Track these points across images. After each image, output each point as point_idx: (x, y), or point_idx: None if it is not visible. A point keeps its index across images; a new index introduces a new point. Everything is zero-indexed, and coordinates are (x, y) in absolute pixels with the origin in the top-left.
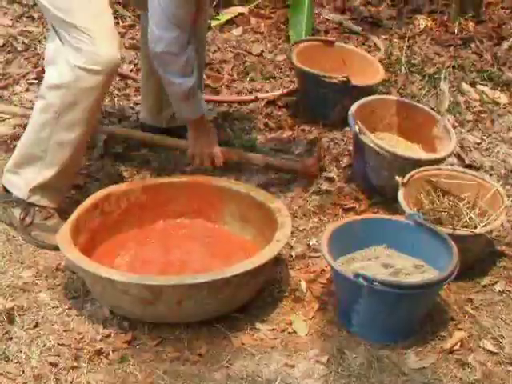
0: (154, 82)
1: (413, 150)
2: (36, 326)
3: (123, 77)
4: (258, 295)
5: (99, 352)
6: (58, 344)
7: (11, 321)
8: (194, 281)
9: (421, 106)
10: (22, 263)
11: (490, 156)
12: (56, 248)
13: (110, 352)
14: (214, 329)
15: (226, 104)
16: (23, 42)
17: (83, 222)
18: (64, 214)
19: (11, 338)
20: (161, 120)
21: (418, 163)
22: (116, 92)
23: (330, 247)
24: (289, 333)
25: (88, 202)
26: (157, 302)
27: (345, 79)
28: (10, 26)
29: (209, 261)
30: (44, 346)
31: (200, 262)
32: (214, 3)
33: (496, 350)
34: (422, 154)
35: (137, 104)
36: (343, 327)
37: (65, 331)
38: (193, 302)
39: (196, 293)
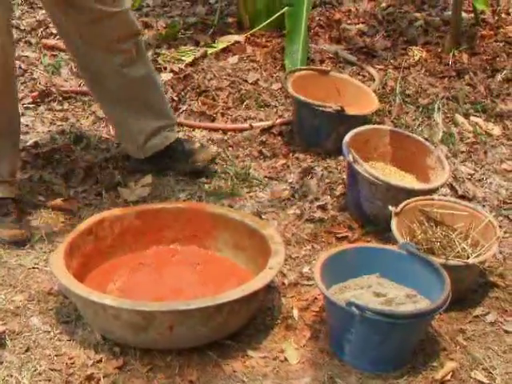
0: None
1: (406, 180)
2: (27, 350)
3: None
4: (250, 322)
5: (90, 377)
6: (49, 369)
7: (2, 345)
8: (186, 307)
9: (414, 136)
10: (14, 287)
11: (482, 187)
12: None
13: (101, 377)
14: (206, 356)
15: (220, 131)
16: (20, 67)
17: (77, 246)
18: (56, 239)
19: (2, 362)
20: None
21: (411, 193)
22: None
23: (323, 275)
24: (280, 360)
25: (82, 226)
26: (148, 327)
27: (339, 108)
28: None
29: (201, 287)
30: (35, 370)
31: (192, 288)
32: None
33: (488, 381)
34: (416, 184)
35: None
36: (335, 356)
37: (56, 356)
38: (184, 328)
39: (188, 319)
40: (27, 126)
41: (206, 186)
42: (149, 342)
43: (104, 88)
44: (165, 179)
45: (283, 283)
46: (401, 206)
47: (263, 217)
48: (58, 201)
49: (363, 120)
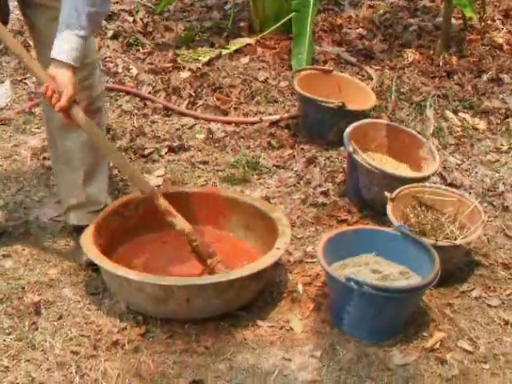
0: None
1: (400, 169)
2: (60, 318)
3: (142, 98)
4: (259, 296)
5: (116, 343)
6: (79, 335)
7: (38, 313)
8: (202, 282)
9: (408, 129)
10: (48, 262)
11: (469, 176)
12: None
13: (126, 343)
14: (219, 325)
15: (233, 124)
16: None
17: (105, 225)
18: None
19: (37, 329)
20: None
21: (404, 181)
22: (135, 111)
23: (325, 254)
24: (286, 330)
25: (110, 207)
26: (168, 299)
27: (341, 104)
28: None
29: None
30: (66, 336)
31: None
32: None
33: (472, 350)
34: (409, 173)
35: (154, 122)
36: (335, 326)
37: (85, 323)
38: (200, 301)
39: (203, 292)
40: None
41: (220, 173)
42: (168, 312)
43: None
44: (182, 167)
45: (289, 261)
46: (395, 192)
47: (271, 201)
48: None
49: (362, 115)
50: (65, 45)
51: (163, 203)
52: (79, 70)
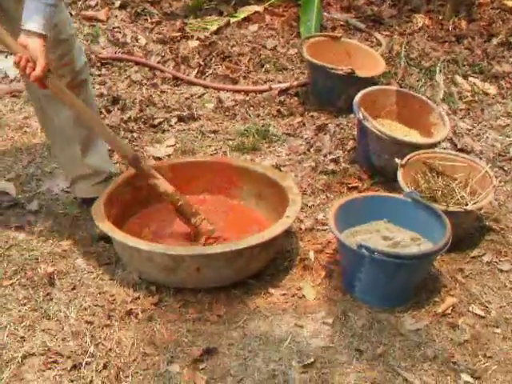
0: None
1: (411, 135)
2: (73, 288)
3: (151, 68)
4: (270, 264)
5: (129, 312)
6: (93, 305)
7: (52, 283)
8: (211, 251)
9: (418, 95)
10: (61, 233)
11: (479, 141)
12: None
13: (139, 312)
14: (232, 293)
15: (243, 93)
16: None
17: (116, 196)
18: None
19: (52, 299)
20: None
21: (415, 147)
22: (144, 81)
23: (336, 221)
24: (298, 297)
25: (120, 178)
26: (178, 269)
27: (350, 71)
28: None
29: (226, 233)
30: (81, 306)
31: (219, 234)
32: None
33: (483, 314)
34: (419, 139)
35: (163, 92)
36: (347, 293)
37: (99, 293)
38: (210, 270)
39: (213, 262)
40: None
41: (231, 142)
42: (179, 281)
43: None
44: (192, 136)
45: (300, 228)
46: (406, 158)
47: (282, 169)
48: None
49: (371, 81)
50: (33, 14)
51: (145, 166)
52: (57, 47)
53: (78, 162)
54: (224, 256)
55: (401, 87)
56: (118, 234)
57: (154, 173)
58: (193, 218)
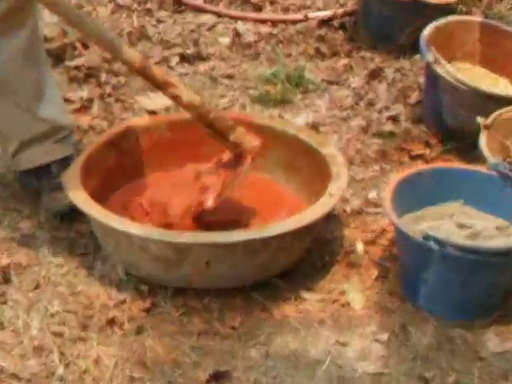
0: None
1: (499, 85)
2: (36, 287)
3: None
4: (304, 258)
5: (112, 321)
6: (64, 310)
7: (7, 281)
8: (227, 239)
9: (510, 30)
10: (19, 212)
11: None
12: None
13: (125, 321)
14: (251, 297)
15: (269, 24)
16: None
17: (96, 162)
18: None
19: (6, 302)
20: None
21: (505, 101)
22: (135, 6)
23: (394, 202)
24: (341, 305)
25: (102, 138)
26: (182, 262)
27: None
28: None
29: (246, 216)
30: (46, 311)
31: (236, 217)
32: None
33: None
34: (511, 91)
35: (160, 21)
36: (408, 300)
37: (71, 295)
38: (225, 265)
39: (229, 254)
40: None
41: (251, 92)
42: (182, 279)
43: None
44: (199, 83)
45: (345, 211)
46: (492, 116)
47: (321, 130)
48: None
49: (446, 10)
50: None
51: (159, 72)
52: None
53: (26, 118)
54: (244, 246)
55: (486, 18)
56: (99, 212)
57: (170, 80)
58: (231, 132)
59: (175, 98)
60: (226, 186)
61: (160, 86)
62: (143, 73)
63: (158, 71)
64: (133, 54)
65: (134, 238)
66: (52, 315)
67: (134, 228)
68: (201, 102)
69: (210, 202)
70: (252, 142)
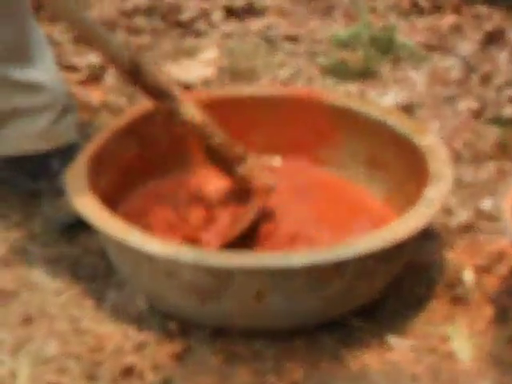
0: None
1: None
2: (27, 322)
3: None
4: (391, 290)
5: (129, 370)
6: (63, 353)
7: None
8: (287, 263)
9: None
10: (5, 217)
11: None
12: None
13: (147, 370)
14: (317, 341)
15: None
16: None
17: (109, 155)
18: None
19: None
20: None
21: None
22: None
23: None
24: (442, 355)
25: (117, 123)
26: (223, 293)
27: None
28: None
29: (312, 230)
30: (39, 355)
31: (297, 230)
32: None
33: None
34: None
35: None
36: None
37: (73, 333)
38: (282, 298)
39: (288, 282)
40: None
41: (322, 59)
42: (223, 316)
43: None
44: (251, 45)
45: (448, 226)
46: None
47: (417, 113)
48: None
49: None
50: None
51: (151, 76)
52: None
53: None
54: (309, 272)
55: None
56: (113, 226)
57: (168, 88)
58: (236, 164)
59: (171, 111)
60: (232, 226)
61: (153, 93)
62: (135, 77)
63: (153, 73)
64: (122, 50)
65: (158, 260)
66: (47, 361)
67: (159, 246)
68: (203, 121)
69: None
70: (265, 181)
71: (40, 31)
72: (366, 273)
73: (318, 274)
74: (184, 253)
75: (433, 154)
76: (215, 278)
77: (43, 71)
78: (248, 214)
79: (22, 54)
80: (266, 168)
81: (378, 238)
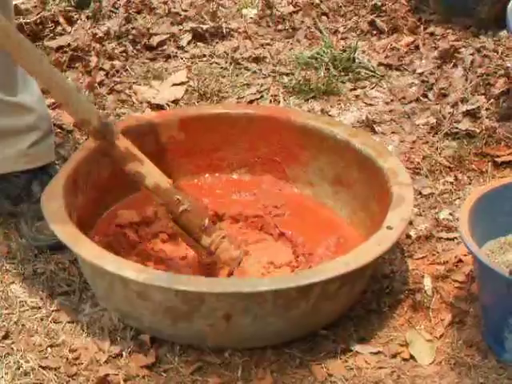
0: None
1: None
2: (6, 336)
3: None
4: (354, 303)
5: (105, 380)
6: (40, 366)
7: None
8: (253, 289)
9: None
10: None
11: None
12: None
13: (121, 381)
14: (284, 352)
15: None
16: None
17: (85, 172)
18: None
19: None
20: None
21: None
22: None
23: (473, 225)
24: (403, 359)
25: (92, 143)
26: (193, 315)
27: None
28: None
29: (278, 251)
30: (18, 368)
31: (264, 251)
32: None
33: None
34: None
35: None
36: (490, 353)
37: (50, 346)
38: (249, 320)
39: (255, 306)
40: None
41: (286, 79)
42: (193, 336)
43: None
44: (218, 68)
45: (408, 236)
46: None
47: (377, 129)
48: None
49: None
50: None
51: (122, 143)
52: None
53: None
54: (276, 297)
55: None
56: (87, 250)
57: (133, 150)
58: (204, 235)
59: (134, 176)
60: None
61: (120, 158)
62: (101, 137)
63: (123, 138)
64: (93, 109)
65: (130, 284)
66: (26, 373)
67: (133, 271)
68: (168, 187)
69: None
70: (231, 253)
71: None
72: (330, 295)
73: (284, 298)
74: (156, 277)
75: (394, 175)
76: (185, 302)
77: (29, 94)
78: None
79: (9, 77)
80: (234, 237)
81: (342, 263)
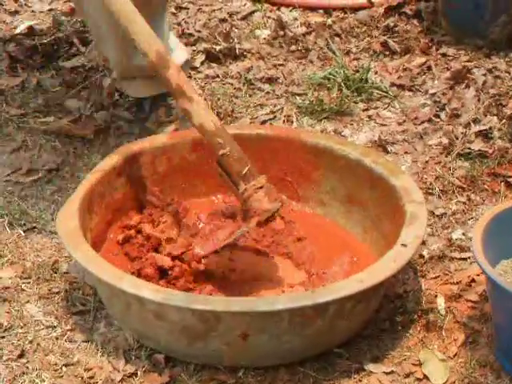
0: None
1: None
2: (21, 355)
3: None
4: (367, 323)
5: None
6: None
7: None
8: (270, 307)
9: None
10: (0, 256)
11: None
12: None
13: None
14: (298, 370)
15: (322, 11)
16: None
17: (99, 195)
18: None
19: None
20: None
21: None
22: None
23: (486, 245)
24: (417, 379)
25: (106, 163)
26: (209, 334)
27: None
28: None
29: (291, 270)
30: None
31: (278, 271)
32: None
33: None
34: None
35: (180, 8)
36: (504, 373)
37: (65, 365)
38: (265, 338)
39: (271, 324)
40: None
41: (299, 100)
42: (209, 355)
43: None
44: (231, 88)
45: (421, 256)
46: None
47: (389, 149)
48: (65, 122)
49: None
50: None
51: (174, 79)
52: None
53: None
54: (291, 315)
55: None
56: (102, 270)
57: (186, 88)
58: (242, 182)
59: (185, 114)
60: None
61: (172, 93)
62: (157, 72)
63: (176, 74)
64: (153, 43)
65: (146, 303)
66: None
67: (147, 289)
68: (216, 129)
69: (200, 250)
70: (264, 204)
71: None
72: (345, 313)
73: (299, 317)
74: (172, 297)
75: (408, 194)
76: (202, 321)
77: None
78: (229, 235)
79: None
80: (273, 191)
81: (356, 281)
